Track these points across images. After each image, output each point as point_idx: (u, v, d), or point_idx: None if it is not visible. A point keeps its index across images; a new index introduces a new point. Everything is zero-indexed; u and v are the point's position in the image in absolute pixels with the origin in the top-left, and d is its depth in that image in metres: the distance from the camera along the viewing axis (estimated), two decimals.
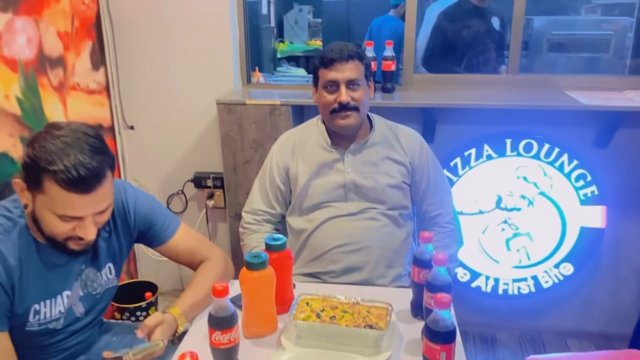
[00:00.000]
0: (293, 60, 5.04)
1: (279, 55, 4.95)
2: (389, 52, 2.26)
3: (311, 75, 1.67)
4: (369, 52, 2.28)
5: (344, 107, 1.54)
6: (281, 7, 5.24)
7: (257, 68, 2.80)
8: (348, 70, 1.54)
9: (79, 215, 1.08)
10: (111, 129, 2.50)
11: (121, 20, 2.38)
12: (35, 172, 1.04)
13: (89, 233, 1.11)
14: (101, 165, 1.06)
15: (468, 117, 2.25)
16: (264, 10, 4.43)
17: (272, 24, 4.79)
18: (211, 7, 2.33)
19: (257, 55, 4.28)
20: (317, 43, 5.24)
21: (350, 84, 1.55)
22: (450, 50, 2.93)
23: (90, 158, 1.04)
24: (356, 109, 1.56)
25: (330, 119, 1.59)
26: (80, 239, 1.12)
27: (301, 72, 4.42)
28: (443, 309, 0.93)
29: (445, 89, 2.37)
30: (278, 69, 4.54)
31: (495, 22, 2.90)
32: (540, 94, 2.23)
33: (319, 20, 5.41)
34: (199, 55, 2.39)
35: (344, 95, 1.53)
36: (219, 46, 2.38)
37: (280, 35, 5.24)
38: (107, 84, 2.45)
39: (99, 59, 2.38)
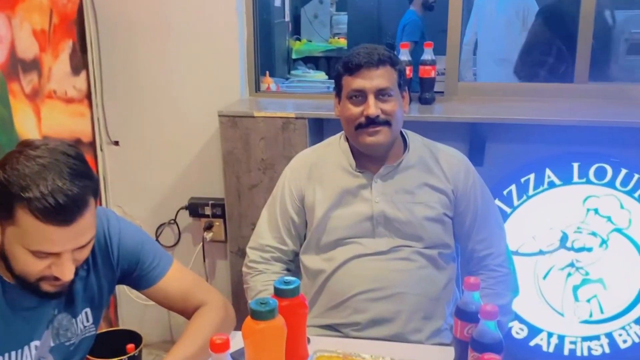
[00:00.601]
0: (311, 61, 5.11)
1: (294, 56, 5.03)
2: (428, 55, 2.32)
3: (333, 81, 1.70)
4: (404, 56, 2.33)
5: (372, 122, 1.57)
6: (298, 1, 5.34)
7: (267, 72, 2.86)
8: (377, 78, 1.57)
9: (56, 251, 1.11)
10: (92, 144, 2.57)
11: (107, 16, 2.47)
12: (5, 200, 1.08)
13: (67, 272, 1.14)
14: (83, 192, 1.09)
15: (526, 135, 2.28)
16: (277, 3, 4.53)
17: (287, 18, 4.88)
18: (214, 1, 2.40)
19: (268, 57, 4.36)
20: (340, 42, 5.31)
21: (380, 94, 1.57)
22: (552, 54, 2.91)
23: (70, 183, 1.07)
24: (387, 123, 1.58)
25: (356, 136, 1.61)
26: (56, 279, 1.15)
27: (321, 76, 4.48)
28: None
29: (498, 100, 2.41)
30: (293, 72, 4.61)
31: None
32: (616, 108, 2.24)
33: (344, 14, 5.49)
34: (199, 57, 2.47)
35: (372, 108, 1.56)
36: (222, 46, 2.45)
37: (297, 32, 5.33)
38: (89, 91, 2.53)
39: (80, 61, 2.47)
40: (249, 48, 2.52)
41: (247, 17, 2.49)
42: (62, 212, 1.07)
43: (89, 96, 2.53)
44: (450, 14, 2.41)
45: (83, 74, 2.49)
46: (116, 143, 2.59)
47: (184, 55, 2.47)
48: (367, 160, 1.65)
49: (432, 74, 2.33)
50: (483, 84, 2.57)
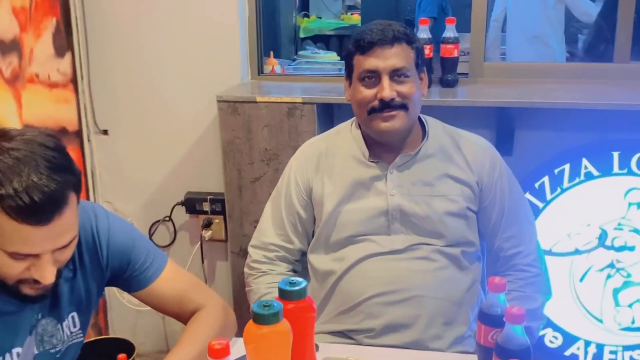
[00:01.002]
0: (321, 40, 5.15)
1: (302, 35, 5.08)
2: (450, 32, 2.36)
3: (344, 63, 1.72)
4: (424, 33, 2.35)
5: (386, 106, 1.59)
6: None
7: (271, 53, 2.89)
8: (392, 57, 1.59)
9: (34, 253, 1.13)
10: (78, 134, 2.61)
11: None
12: None
13: (47, 275, 1.16)
14: (62, 188, 1.11)
15: (560, 121, 2.31)
16: None
17: None
18: None
19: (273, 36, 4.39)
20: (353, 18, 5.35)
21: (396, 74, 1.60)
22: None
23: (47, 178, 1.09)
24: (404, 107, 1.60)
25: (369, 122, 1.64)
26: (36, 282, 1.17)
27: (332, 57, 4.52)
28: None
29: (528, 82, 2.45)
30: (301, 52, 4.66)
31: None
32: None
33: None
34: (195, 37, 2.50)
35: (387, 90, 1.58)
36: (221, 25, 2.49)
37: (305, 7, 5.37)
38: (74, 74, 2.57)
39: (64, 42, 2.51)
40: (251, 26, 2.55)
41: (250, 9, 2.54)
42: (38, 211, 1.08)
43: (74, 80, 2.57)
44: None
45: (68, 56, 2.53)
46: (105, 132, 2.64)
47: (179, 36, 2.51)
48: (381, 149, 1.68)
49: (455, 54, 2.36)
50: (512, 64, 2.60)
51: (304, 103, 2.24)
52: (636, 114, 2.20)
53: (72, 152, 2.45)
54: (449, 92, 2.35)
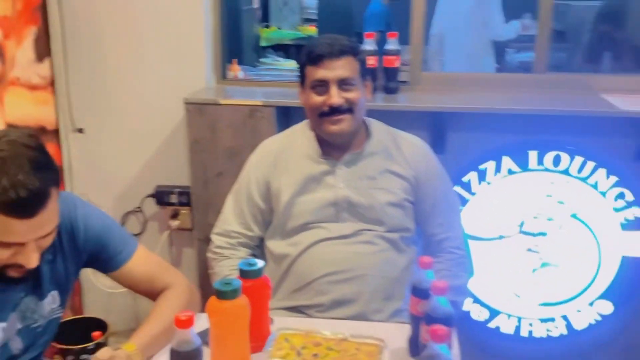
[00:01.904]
0: (281, 49, 5.11)
1: (263, 44, 5.03)
2: (392, 45, 2.39)
3: (298, 71, 1.75)
4: (370, 45, 2.39)
5: (335, 111, 1.63)
6: None
7: (235, 60, 2.89)
8: (339, 68, 1.64)
9: (20, 242, 1.15)
10: (56, 132, 2.59)
11: (71, 2, 2.48)
12: None
13: (31, 260, 1.18)
14: (45, 184, 1.14)
15: (485, 123, 2.36)
16: None
17: (256, 5, 4.89)
18: None
19: (236, 44, 4.36)
20: (311, 29, 5.33)
21: (343, 83, 1.64)
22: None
23: (32, 176, 1.11)
24: (350, 111, 1.65)
25: (320, 124, 1.68)
26: (21, 266, 1.19)
27: (291, 64, 4.50)
28: (439, 342, 1.00)
29: (460, 90, 2.50)
30: (262, 60, 4.63)
31: None
32: (573, 97, 2.35)
33: (314, 0, 5.52)
34: (164, 44, 2.50)
35: (335, 97, 1.62)
36: (189, 34, 2.49)
37: (266, 19, 5.33)
38: (53, 78, 2.54)
39: (44, 48, 2.48)
40: (216, 35, 2.56)
41: (214, 3, 2.53)
42: (24, 205, 1.11)
43: (52, 83, 2.55)
44: (414, 4, 2.48)
45: (47, 61, 2.51)
46: (80, 131, 2.61)
47: (149, 42, 2.50)
48: (331, 148, 1.72)
49: (396, 64, 2.39)
50: (446, 74, 2.67)
51: (264, 106, 2.26)
52: (550, 118, 2.29)
53: (51, 149, 2.43)
54: (391, 98, 2.38)
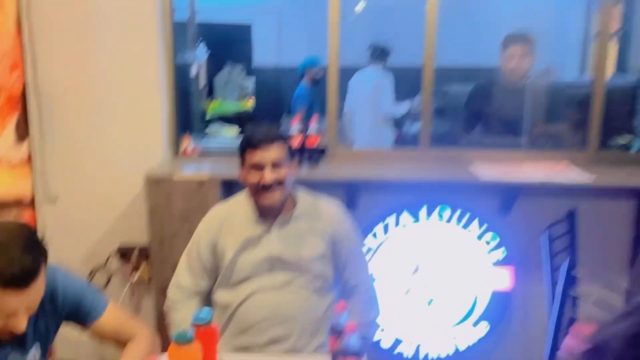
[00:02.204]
0: (225, 120, 5.16)
1: (209, 117, 5.07)
2: (312, 129, 2.52)
3: (239, 153, 1.80)
4: (297, 127, 2.51)
5: (268, 187, 1.72)
6: (212, 68, 5.41)
7: (187, 133, 2.89)
8: (272, 152, 1.73)
9: (13, 311, 1.19)
10: (32, 203, 2.56)
11: (49, 91, 2.51)
12: None
13: (21, 326, 1.22)
14: (36, 262, 1.19)
15: (387, 188, 2.53)
16: (194, 73, 4.60)
17: (202, 84, 4.96)
18: (141, 77, 2.51)
19: (187, 116, 4.39)
20: (249, 103, 5.42)
21: (275, 164, 1.73)
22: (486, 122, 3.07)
23: (25, 257, 1.16)
24: (280, 186, 1.74)
25: (256, 197, 1.77)
26: (11, 331, 1.21)
27: (233, 132, 4.59)
28: None
29: (366, 161, 2.67)
30: (209, 128, 4.67)
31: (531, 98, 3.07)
32: (451, 167, 2.56)
33: (252, 78, 5.65)
34: (127, 124, 2.55)
35: (268, 177, 1.71)
36: (148, 115, 2.56)
37: (211, 93, 5.36)
38: (30, 155, 2.53)
39: (23, 131, 2.49)
40: (171, 117, 2.64)
41: (169, 93, 2.62)
42: (19, 280, 1.16)
43: (30, 160, 2.53)
44: (329, 96, 2.64)
45: (26, 142, 2.50)
46: (54, 200, 2.59)
47: (114, 122, 2.55)
48: (266, 214, 1.80)
49: (316, 144, 2.53)
50: (354, 151, 2.84)
51: (210, 179, 2.32)
52: (431, 183, 2.49)
53: (28, 217, 2.41)
54: (314, 169, 2.49)
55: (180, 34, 2.73)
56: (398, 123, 4.56)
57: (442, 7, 2.57)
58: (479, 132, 2.93)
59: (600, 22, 2.61)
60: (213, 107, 5.15)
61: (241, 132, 4.68)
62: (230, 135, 4.53)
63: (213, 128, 4.68)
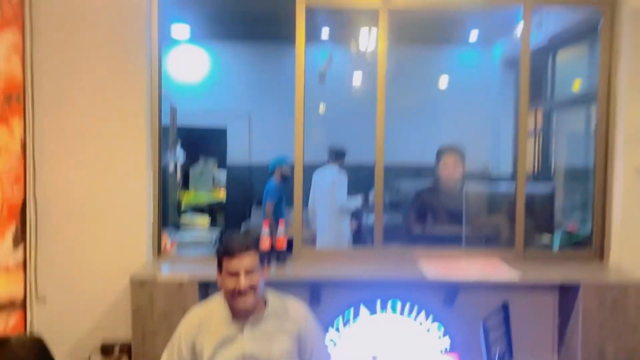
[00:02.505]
0: (198, 209, 5.33)
1: (184, 207, 5.23)
2: (280, 232, 2.80)
3: (217, 233, 2.04)
4: (266, 231, 2.77)
5: (242, 292, 1.95)
6: (187, 160, 5.68)
7: (164, 228, 3.05)
8: (246, 261, 1.96)
9: None
10: (23, 303, 2.69)
11: (45, 200, 2.73)
12: None
13: None
14: None
15: (347, 285, 2.80)
16: (172, 169, 4.84)
17: (178, 177, 5.21)
18: (129, 183, 2.76)
19: (164, 208, 4.56)
20: (220, 194, 5.69)
21: (247, 272, 1.96)
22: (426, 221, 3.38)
23: None
24: (253, 289, 1.97)
25: (231, 300, 1.99)
26: None
27: (206, 221, 4.81)
28: None
29: (328, 259, 2.94)
30: (183, 218, 4.86)
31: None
32: (402, 264, 2.86)
33: (224, 170, 5.90)
34: (115, 227, 2.78)
35: (243, 284, 1.94)
36: (134, 218, 2.80)
37: (186, 184, 5.60)
38: (25, 259, 2.69)
39: (19, 238, 2.67)
40: (154, 222, 2.88)
41: (154, 194, 2.88)
42: None
43: (24, 264, 2.68)
44: (295, 194, 2.94)
45: (20, 247, 2.66)
46: (43, 301, 2.74)
47: (103, 229, 2.76)
48: (240, 314, 2.00)
49: (284, 246, 2.79)
50: (318, 251, 3.11)
51: (189, 282, 2.50)
52: (385, 280, 2.76)
53: (18, 316, 2.54)
54: (281, 268, 2.72)
55: (163, 137, 2.96)
56: (357, 214, 4.94)
57: (390, 113, 2.88)
58: (422, 228, 3.26)
59: (520, 122, 2.94)
60: (187, 198, 5.37)
61: (212, 223, 4.94)
62: (202, 225, 4.76)
63: (186, 218, 4.91)
